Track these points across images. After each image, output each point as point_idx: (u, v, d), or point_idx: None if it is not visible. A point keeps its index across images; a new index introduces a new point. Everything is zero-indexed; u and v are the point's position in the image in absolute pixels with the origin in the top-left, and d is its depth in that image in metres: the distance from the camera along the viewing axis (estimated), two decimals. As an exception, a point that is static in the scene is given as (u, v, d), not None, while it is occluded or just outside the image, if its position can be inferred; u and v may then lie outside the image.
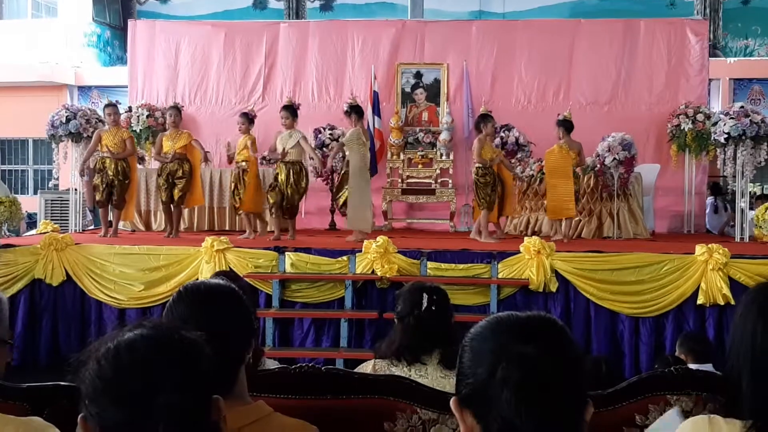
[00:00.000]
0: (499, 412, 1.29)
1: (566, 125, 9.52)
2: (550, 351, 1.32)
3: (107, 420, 1.38)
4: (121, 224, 9.77)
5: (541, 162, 10.55)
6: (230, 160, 9.51)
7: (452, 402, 1.40)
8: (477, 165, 9.25)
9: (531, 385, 1.28)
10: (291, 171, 9.14)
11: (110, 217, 9.70)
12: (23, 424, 1.92)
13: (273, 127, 11.92)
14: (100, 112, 11.04)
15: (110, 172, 9.25)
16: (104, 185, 9.26)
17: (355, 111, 9.36)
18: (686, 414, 2.54)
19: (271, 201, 9.18)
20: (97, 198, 9.44)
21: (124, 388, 1.37)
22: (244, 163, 9.30)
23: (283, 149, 9.11)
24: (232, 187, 9.50)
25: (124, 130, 9.79)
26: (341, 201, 8.96)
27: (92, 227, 11.64)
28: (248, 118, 9.72)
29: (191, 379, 1.41)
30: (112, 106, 9.75)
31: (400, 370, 3.20)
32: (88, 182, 10.14)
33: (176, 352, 1.43)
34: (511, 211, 10.09)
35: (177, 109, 9.92)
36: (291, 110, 9.35)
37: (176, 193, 9.48)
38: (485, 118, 9.50)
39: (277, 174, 9.26)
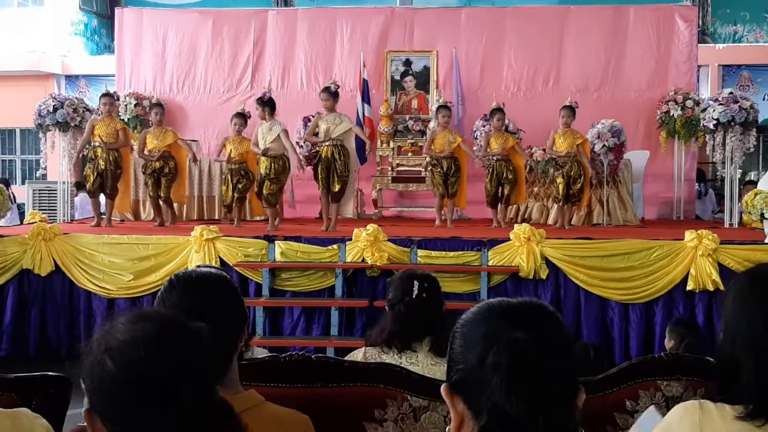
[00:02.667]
0: (489, 397, 1.28)
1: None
2: (541, 336, 1.31)
3: (114, 415, 1.37)
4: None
5: (531, 149, 10.56)
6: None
7: (443, 388, 1.39)
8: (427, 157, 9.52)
9: (522, 371, 1.28)
10: (273, 165, 8.99)
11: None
12: (10, 416, 1.90)
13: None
14: (88, 102, 11.00)
15: (102, 162, 9.19)
16: (95, 175, 9.20)
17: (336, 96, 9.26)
18: (677, 399, 2.54)
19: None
20: (88, 187, 9.39)
21: (132, 386, 1.36)
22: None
23: (266, 148, 8.92)
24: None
25: (118, 120, 9.73)
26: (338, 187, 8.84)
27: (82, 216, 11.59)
28: (245, 118, 9.74)
29: (200, 376, 1.40)
30: (109, 96, 9.70)
31: (390, 358, 3.20)
32: (75, 165, 10.12)
33: (186, 349, 1.41)
34: (521, 200, 10.06)
35: (161, 106, 9.94)
36: (261, 102, 9.19)
37: (163, 191, 9.48)
38: (438, 109, 9.69)
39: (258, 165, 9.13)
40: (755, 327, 1.81)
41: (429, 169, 9.58)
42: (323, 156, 8.90)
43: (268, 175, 8.99)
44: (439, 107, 9.83)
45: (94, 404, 1.40)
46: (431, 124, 10.00)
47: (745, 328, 1.83)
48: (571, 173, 9.35)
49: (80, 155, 9.68)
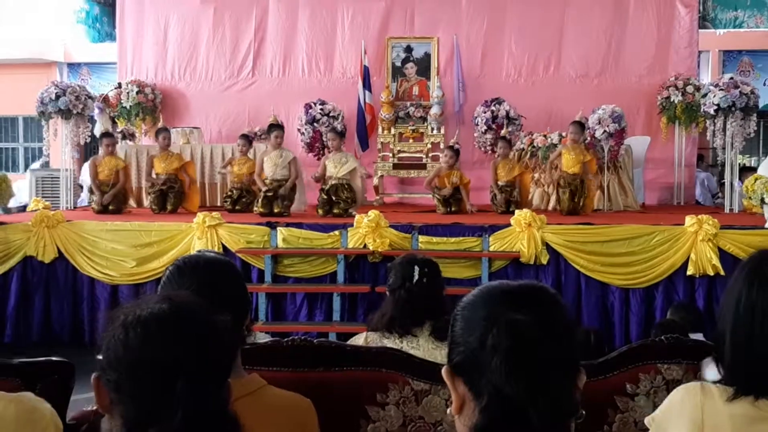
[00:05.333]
0: (490, 379, 1.29)
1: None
2: (541, 318, 1.32)
3: (122, 390, 1.39)
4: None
5: (532, 135, 10.55)
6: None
7: (444, 370, 1.40)
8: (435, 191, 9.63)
9: (522, 352, 1.28)
10: (280, 189, 9.02)
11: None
12: (14, 401, 1.91)
13: (263, 105, 11.91)
14: (90, 89, 11.00)
15: (104, 199, 9.39)
16: (99, 202, 9.39)
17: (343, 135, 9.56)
18: (677, 382, 2.56)
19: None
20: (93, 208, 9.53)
21: (146, 365, 1.37)
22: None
23: (274, 182, 9.02)
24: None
25: (120, 159, 9.84)
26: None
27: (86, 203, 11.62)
28: (250, 140, 10.03)
29: (215, 365, 1.41)
30: (110, 136, 9.96)
31: (392, 342, 3.21)
32: (78, 159, 10.12)
33: (205, 334, 1.43)
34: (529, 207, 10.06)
35: (167, 130, 10.04)
36: (279, 128, 9.37)
37: (169, 207, 9.55)
38: (445, 150, 9.92)
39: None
40: (738, 305, 1.84)
41: (434, 194, 9.71)
42: (328, 195, 9.01)
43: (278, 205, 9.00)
44: (446, 147, 9.98)
45: (105, 373, 1.42)
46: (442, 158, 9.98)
47: (731, 304, 1.86)
48: (576, 191, 9.29)
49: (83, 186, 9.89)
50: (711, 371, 2.10)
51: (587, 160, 9.36)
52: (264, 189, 9.06)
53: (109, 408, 1.43)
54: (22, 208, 11.01)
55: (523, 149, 10.57)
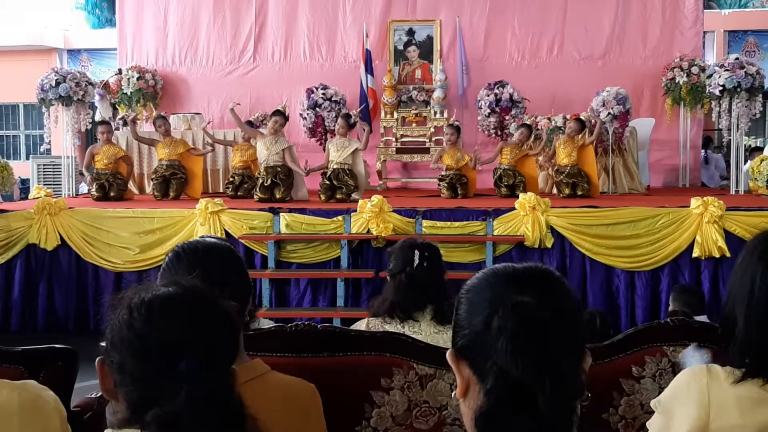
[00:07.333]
0: (495, 361, 1.27)
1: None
2: (546, 300, 1.30)
3: (126, 372, 1.39)
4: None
5: (536, 117, 10.50)
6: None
7: (448, 354, 1.39)
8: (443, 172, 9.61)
9: (528, 334, 1.26)
10: (277, 176, 8.97)
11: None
12: (18, 388, 1.90)
13: (265, 90, 11.87)
14: (90, 75, 10.98)
15: (106, 184, 9.34)
16: (98, 191, 9.34)
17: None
18: (681, 366, 2.54)
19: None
20: (93, 195, 9.50)
21: (150, 345, 1.37)
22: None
23: (268, 168, 8.99)
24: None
25: (118, 147, 9.80)
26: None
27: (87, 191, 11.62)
28: (253, 126, 10.07)
29: (219, 348, 1.41)
30: (106, 124, 9.91)
31: (393, 328, 3.20)
32: (80, 146, 10.09)
33: (210, 318, 1.43)
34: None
35: (162, 117, 9.99)
36: (282, 115, 9.33)
37: (171, 194, 9.49)
38: (446, 127, 9.90)
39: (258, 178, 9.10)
40: (752, 287, 1.82)
41: (438, 180, 9.68)
42: (329, 176, 9.00)
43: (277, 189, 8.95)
44: (446, 125, 9.95)
45: (109, 355, 1.42)
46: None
47: (744, 286, 1.84)
48: (574, 181, 9.25)
49: (83, 173, 9.86)
50: (693, 359, 2.09)
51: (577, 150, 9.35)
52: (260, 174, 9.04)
53: (113, 392, 1.43)
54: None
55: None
